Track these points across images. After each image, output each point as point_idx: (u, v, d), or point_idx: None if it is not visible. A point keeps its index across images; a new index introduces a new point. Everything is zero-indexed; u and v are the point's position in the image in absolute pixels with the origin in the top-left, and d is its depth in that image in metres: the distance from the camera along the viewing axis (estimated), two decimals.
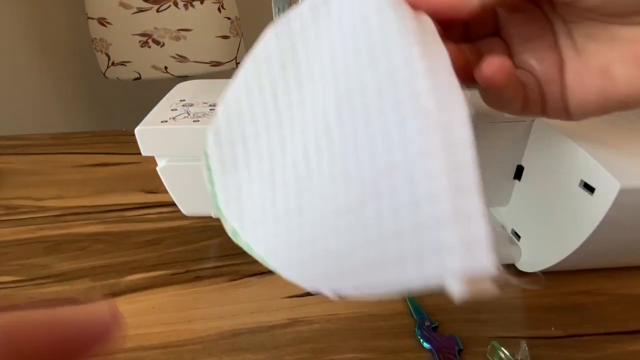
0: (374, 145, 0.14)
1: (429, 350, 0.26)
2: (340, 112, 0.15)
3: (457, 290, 0.11)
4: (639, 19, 0.18)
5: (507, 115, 0.30)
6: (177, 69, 0.87)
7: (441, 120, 0.12)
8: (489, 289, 0.11)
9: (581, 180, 0.26)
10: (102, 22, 0.90)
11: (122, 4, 0.86)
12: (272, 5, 0.34)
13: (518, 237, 0.33)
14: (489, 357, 0.26)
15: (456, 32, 0.21)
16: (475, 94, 0.22)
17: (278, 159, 0.18)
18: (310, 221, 0.16)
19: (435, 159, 0.12)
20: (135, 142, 0.29)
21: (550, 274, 0.32)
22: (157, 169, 0.31)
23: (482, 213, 0.11)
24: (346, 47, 0.16)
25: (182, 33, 0.85)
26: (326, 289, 0.15)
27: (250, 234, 0.19)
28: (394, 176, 0.13)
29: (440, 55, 0.14)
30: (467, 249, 0.11)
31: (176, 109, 0.31)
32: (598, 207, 0.24)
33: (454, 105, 0.13)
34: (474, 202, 0.11)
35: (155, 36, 0.85)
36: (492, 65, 0.17)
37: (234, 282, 0.32)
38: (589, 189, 0.25)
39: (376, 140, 0.14)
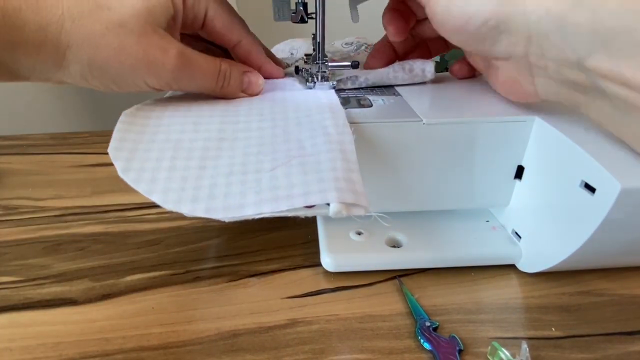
0: (293, 144, 0.26)
1: (430, 351, 0.26)
2: (274, 131, 0.27)
3: (337, 207, 0.21)
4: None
5: (507, 115, 0.30)
6: None
7: (338, 138, 0.25)
8: (361, 210, 0.21)
9: (582, 181, 0.26)
10: None
11: None
12: (272, 5, 0.34)
13: (518, 237, 0.33)
14: (489, 357, 0.26)
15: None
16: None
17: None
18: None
19: (335, 152, 0.24)
20: None
21: (550, 274, 0.32)
22: None
23: (360, 180, 0.23)
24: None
25: None
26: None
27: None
28: (307, 158, 0.24)
29: (341, 117, 0.28)
30: (354, 193, 0.22)
31: None
32: (599, 208, 0.24)
33: (345, 133, 0.26)
34: (356, 175, 0.23)
35: None
36: (457, 72, 0.37)
37: (234, 283, 0.32)
38: (590, 189, 0.25)
39: (294, 144, 0.26)
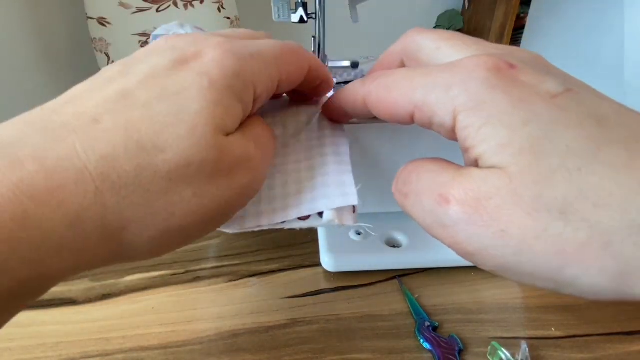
0: (290, 149, 0.25)
1: (429, 351, 0.26)
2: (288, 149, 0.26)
3: (329, 215, 0.21)
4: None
5: None
6: None
7: (332, 139, 0.25)
8: (351, 219, 0.21)
9: None
10: (102, 22, 0.90)
11: (122, 4, 0.86)
12: (272, 5, 0.34)
13: None
14: (489, 357, 0.26)
15: None
16: None
17: None
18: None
19: (330, 156, 0.23)
20: None
21: None
22: None
23: (352, 181, 0.22)
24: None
25: None
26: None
27: None
28: (302, 166, 0.24)
29: (338, 131, 0.26)
30: (344, 195, 0.21)
31: None
32: None
33: (342, 144, 0.25)
34: (349, 176, 0.22)
35: None
36: None
37: (234, 283, 0.32)
38: None
39: (291, 148, 0.25)
